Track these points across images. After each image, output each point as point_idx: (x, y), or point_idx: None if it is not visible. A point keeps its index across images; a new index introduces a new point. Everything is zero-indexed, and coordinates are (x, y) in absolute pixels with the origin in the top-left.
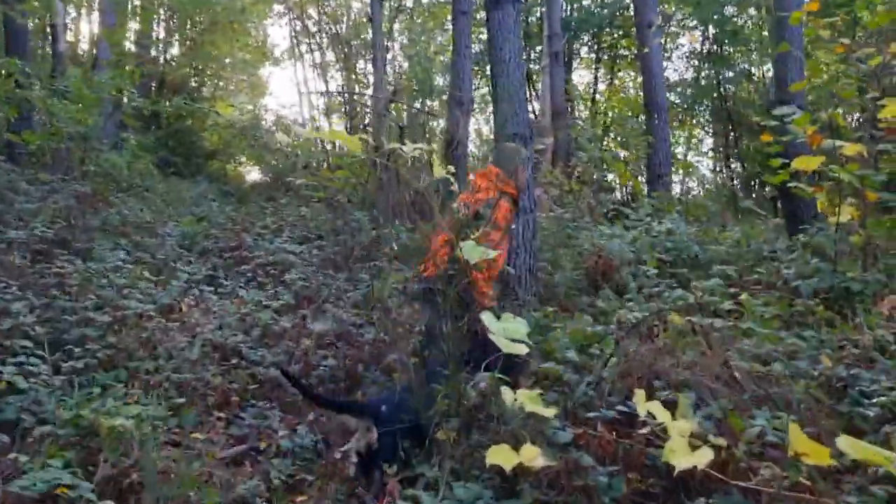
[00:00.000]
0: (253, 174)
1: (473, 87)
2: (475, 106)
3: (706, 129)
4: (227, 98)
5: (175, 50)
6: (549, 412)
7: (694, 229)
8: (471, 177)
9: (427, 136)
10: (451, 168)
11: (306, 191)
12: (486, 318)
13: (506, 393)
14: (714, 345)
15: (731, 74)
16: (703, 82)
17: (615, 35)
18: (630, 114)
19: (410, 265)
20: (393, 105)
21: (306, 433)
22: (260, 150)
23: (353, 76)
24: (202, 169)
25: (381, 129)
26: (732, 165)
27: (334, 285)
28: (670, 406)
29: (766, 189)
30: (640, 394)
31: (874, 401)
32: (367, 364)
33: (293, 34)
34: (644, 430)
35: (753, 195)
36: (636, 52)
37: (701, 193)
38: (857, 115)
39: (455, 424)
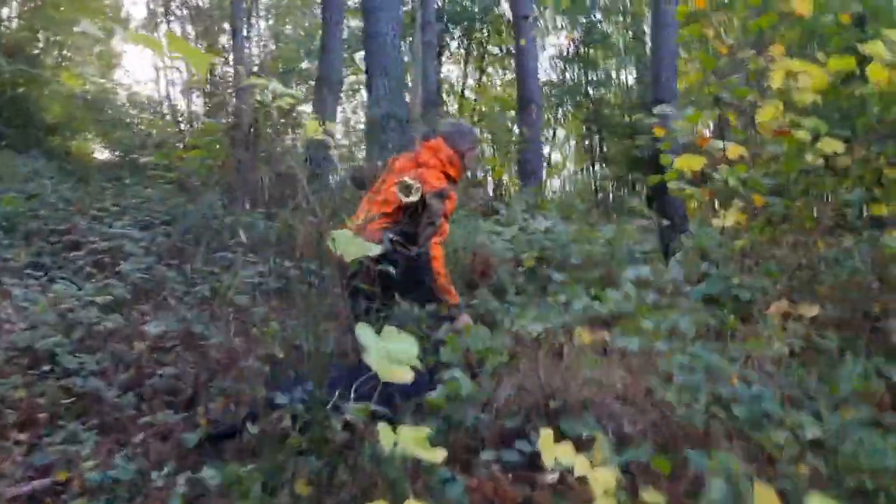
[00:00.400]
0: (101, 153)
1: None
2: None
3: (568, 129)
4: (73, 69)
5: (13, 10)
6: (438, 456)
7: (572, 228)
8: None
9: (295, 119)
10: (326, 129)
11: (155, 170)
12: (362, 332)
13: (384, 432)
14: (633, 367)
15: (595, 77)
16: (569, 83)
17: (485, 31)
18: (499, 110)
19: (266, 256)
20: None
21: (128, 461)
22: (107, 127)
23: (214, 51)
24: (41, 143)
25: (242, 105)
26: (596, 166)
27: (178, 278)
28: (579, 444)
29: (636, 189)
30: (545, 435)
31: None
32: (213, 372)
33: (149, 4)
34: (551, 476)
35: (621, 196)
36: (507, 47)
37: (567, 192)
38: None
39: (316, 467)
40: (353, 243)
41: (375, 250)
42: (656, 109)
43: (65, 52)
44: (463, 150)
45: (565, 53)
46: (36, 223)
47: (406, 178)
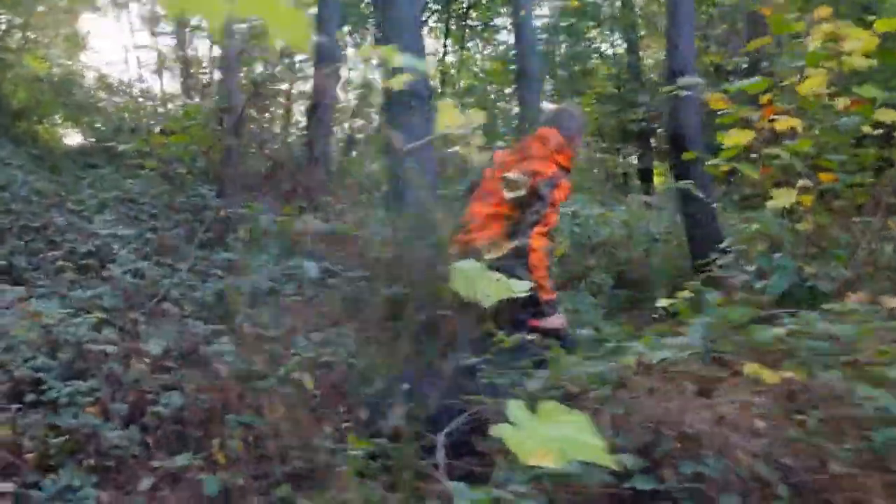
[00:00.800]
0: (72, 137)
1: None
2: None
3: (558, 102)
4: (37, 51)
5: None
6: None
7: (595, 210)
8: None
9: (288, 98)
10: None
11: (135, 159)
12: (513, 410)
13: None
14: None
15: (583, 47)
16: (557, 57)
17: (465, 4)
18: (491, 85)
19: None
20: (244, 59)
21: None
22: (77, 111)
23: (188, 28)
24: (8, 130)
25: (231, 86)
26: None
27: (173, 280)
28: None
29: (626, 160)
30: None
31: None
32: (227, 402)
33: None
34: None
35: (618, 170)
36: (485, 22)
37: None
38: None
39: None
40: (491, 283)
41: (522, 287)
42: (682, 81)
43: (28, 33)
44: (572, 134)
45: (550, 24)
46: (7, 219)
47: (511, 174)
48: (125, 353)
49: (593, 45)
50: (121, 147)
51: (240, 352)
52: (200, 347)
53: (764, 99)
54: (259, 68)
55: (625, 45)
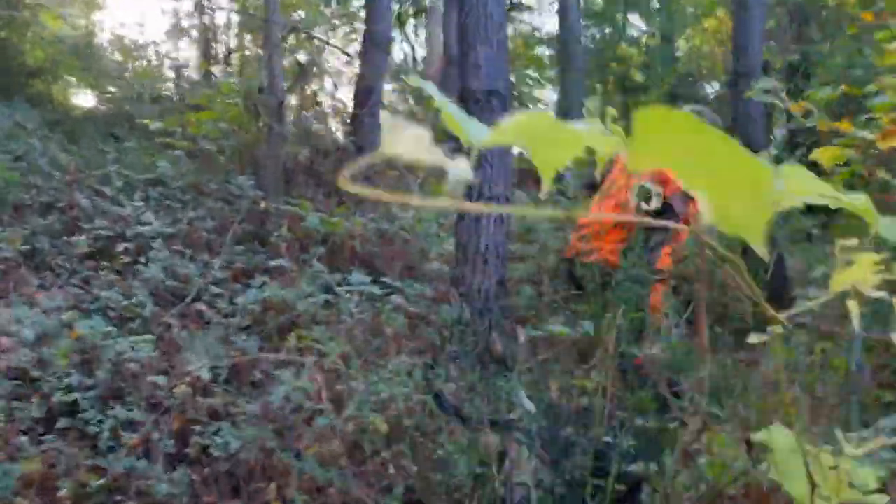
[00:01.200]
0: (85, 99)
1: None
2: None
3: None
4: (53, 9)
5: None
6: None
7: None
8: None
9: (333, 81)
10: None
11: (163, 137)
12: None
13: None
14: None
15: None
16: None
17: None
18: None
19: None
20: (292, 37)
21: None
22: (94, 74)
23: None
24: (21, 90)
25: (275, 65)
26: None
27: (209, 278)
28: None
29: None
30: None
31: None
32: (284, 439)
33: None
34: None
35: None
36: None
37: None
38: None
39: None
40: None
41: None
42: (760, 84)
43: None
44: None
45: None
46: (28, 194)
47: (644, 182)
48: (165, 371)
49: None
50: (152, 126)
51: (297, 379)
52: (253, 372)
53: (886, 120)
54: (303, 50)
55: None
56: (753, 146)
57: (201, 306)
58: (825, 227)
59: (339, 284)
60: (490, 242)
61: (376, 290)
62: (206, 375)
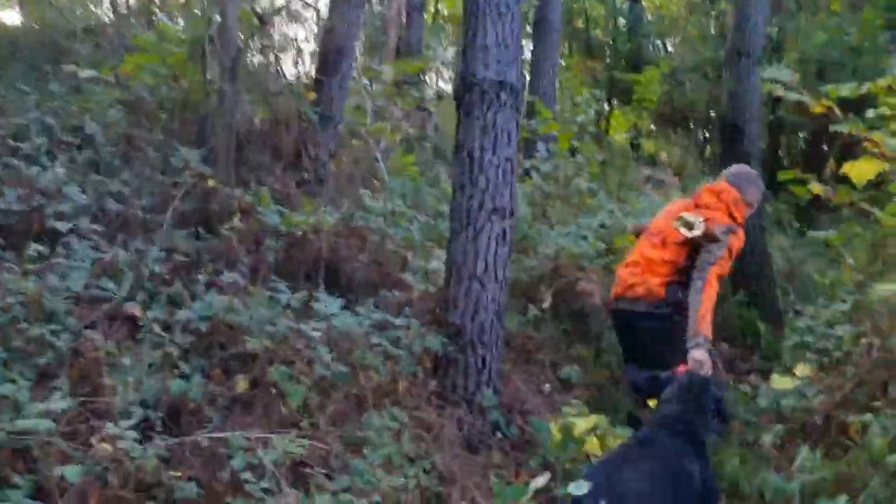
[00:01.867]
0: (7, 15)
1: None
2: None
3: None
4: None
5: None
6: None
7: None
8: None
9: (295, 40)
10: None
11: (90, 85)
12: None
13: None
14: None
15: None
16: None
17: None
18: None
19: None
20: None
21: None
22: None
23: None
24: None
25: (228, 11)
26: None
27: (144, 270)
28: None
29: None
30: None
31: None
32: None
33: None
34: None
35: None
36: None
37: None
38: None
39: None
40: None
41: None
42: (769, 74)
43: None
44: (750, 201)
45: None
46: None
47: (686, 214)
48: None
49: None
50: (83, 73)
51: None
52: (200, 437)
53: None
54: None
55: None
56: (748, 136)
57: (134, 309)
58: (798, 214)
59: (303, 306)
60: (490, 262)
61: (350, 320)
62: (132, 419)
